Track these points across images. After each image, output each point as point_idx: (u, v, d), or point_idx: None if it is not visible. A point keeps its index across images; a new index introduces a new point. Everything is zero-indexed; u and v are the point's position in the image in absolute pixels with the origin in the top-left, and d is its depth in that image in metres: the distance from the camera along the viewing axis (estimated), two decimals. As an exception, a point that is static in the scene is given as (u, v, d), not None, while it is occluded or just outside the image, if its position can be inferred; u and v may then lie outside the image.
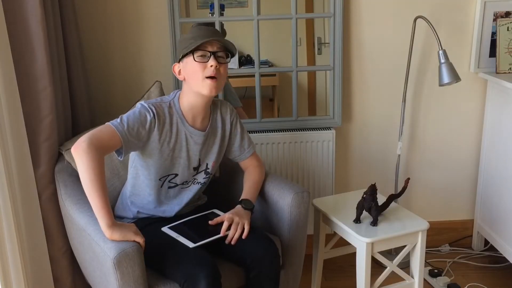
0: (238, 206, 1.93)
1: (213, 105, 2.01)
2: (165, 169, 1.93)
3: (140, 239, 1.70)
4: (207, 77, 1.83)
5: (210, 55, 1.84)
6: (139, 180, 1.94)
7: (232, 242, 1.84)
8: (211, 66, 1.82)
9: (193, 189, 2.01)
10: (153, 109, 1.84)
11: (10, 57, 1.87)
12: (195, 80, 1.85)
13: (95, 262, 1.77)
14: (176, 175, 1.95)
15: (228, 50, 1.89)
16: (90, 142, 1.69)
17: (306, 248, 2.13)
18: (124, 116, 1.82)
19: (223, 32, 2.54)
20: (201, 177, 2.01)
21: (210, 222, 1.88)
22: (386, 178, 2.75)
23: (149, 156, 1.88)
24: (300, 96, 2.69)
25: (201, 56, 1.84)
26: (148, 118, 1.82)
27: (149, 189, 1.94)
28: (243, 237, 1.85)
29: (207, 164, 2.00)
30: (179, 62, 1.90)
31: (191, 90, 1.89)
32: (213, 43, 1.84)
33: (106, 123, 1.80)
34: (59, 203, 2.03)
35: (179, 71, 1.91)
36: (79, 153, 1.69)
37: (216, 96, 2.06)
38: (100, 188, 1.68)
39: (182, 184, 1.98)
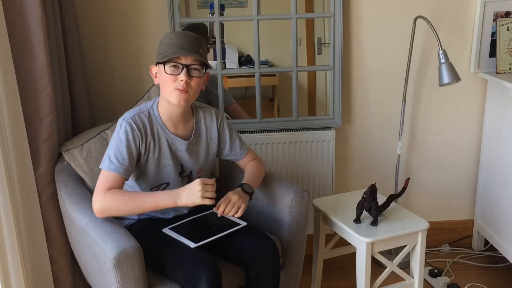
0: (238, 189, 1.90)
1: (196, 111, 1.98)
2: (154, 180, 1.92)
3: (209, 201, 1.75)
4: (176, 89, 1.81)
5: (183, 68, 1.80)
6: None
7: (218, 214, 1.83)
8: (181, 80, 1.80)
9: None
10: (133, 123, 1.83)
11: (10, 57, 1.87)
12: (165, 89, 1.84)
13: (95, 262, 1.77)
14: (168, 184, 1.94)
15: (204, 63, 1.84)
16: (98, 198, 1.77)
17: (306, 248, 2.13)
18: (111, 152, 1.81)
19: (206, 39, 2.52)
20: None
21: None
22: (386, 178, 2.75)
23: (136, 170, 1.89)
24: (300, 96, 2.69)
25: (173, 67, 1.80)
26: (131, 136, 1.82)
27: None
28: (237, 215, 1.83)
29: (191, 171, 1.98)
30: (156, 65, 1.86)
31: (163, 96, 1.87)
32: (188, 55, 1.80)
33: (102, 170, 1.82)
34: (59, 203, 2.03)
35: (156, 74, 1.88)
36: (104, 211, 1.78)
37: (208, 99, 2.04)
38: (136, 197, 1.81)
39: None
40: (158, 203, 1.78)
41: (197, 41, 1.86)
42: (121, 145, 1.81)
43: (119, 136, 1.82)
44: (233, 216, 1.85)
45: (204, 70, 1.85)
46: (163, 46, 1.84)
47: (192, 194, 1.74)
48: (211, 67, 1.90)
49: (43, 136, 2.02)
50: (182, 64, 1.80)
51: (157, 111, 1.90)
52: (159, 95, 1.92)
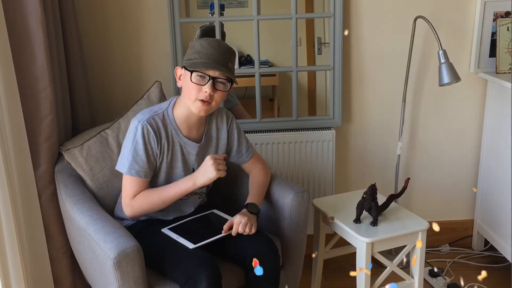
0: (244, 210, 1.92)
1: (210, 114, 1.97)
2: (164, 182, 1.92)
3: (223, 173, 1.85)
4: (199, 99, 1.81)
5: (209, 80, 1.79)
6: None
7: (233, 234, 1.85)
8: (205, 91, 1.79)
9: (193, 200, 2.00)
10: (149, 126, 1.83)
11: (10, 57, 1.87)
12: (188, 96, 1.84)
13: (95, 262, 1.77)
14: None
15: (231, 79, 1.84)
16: (128, 203, 1.88)
17: (306, 248, 2.13)
18: (129, 155, 1.83)
19: (223, 38, 2.52)
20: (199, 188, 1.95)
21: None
22: (386, 178, 2.75)
23: None
24: (300, 96, 2.69)
25: (200, 77, 1.79)
26: (147, 139, 1.84)
27: None
28: (251, 233, 1.85)
29: None
30: (182, 67, 1.86)
31: (184, 101, 1.87)
32: (217, 69, 1.79)
33: (124, 175, 1.87)
34: (59, 203, 2.03)
35: (180, 77, 1.88)
36: (135, 214, 1.90)
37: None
38: (160, 194, 1.88)
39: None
40: (181, 190, 1.87)
41: (228, 54, 1.84)
42: (139, 149, 1.83)
43: (136, 139, 1.83)
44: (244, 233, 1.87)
45: (229, 84, 1.85)
46: (193, 51, 1.83)
47: (206, 171, 1.83)
48: (237, 83, 1.88)
49: (43, 136, 2.02)
50: (209, 76, 1.79)
51: (172, 114, 1.90)
52: (160, 93, 1.92)
